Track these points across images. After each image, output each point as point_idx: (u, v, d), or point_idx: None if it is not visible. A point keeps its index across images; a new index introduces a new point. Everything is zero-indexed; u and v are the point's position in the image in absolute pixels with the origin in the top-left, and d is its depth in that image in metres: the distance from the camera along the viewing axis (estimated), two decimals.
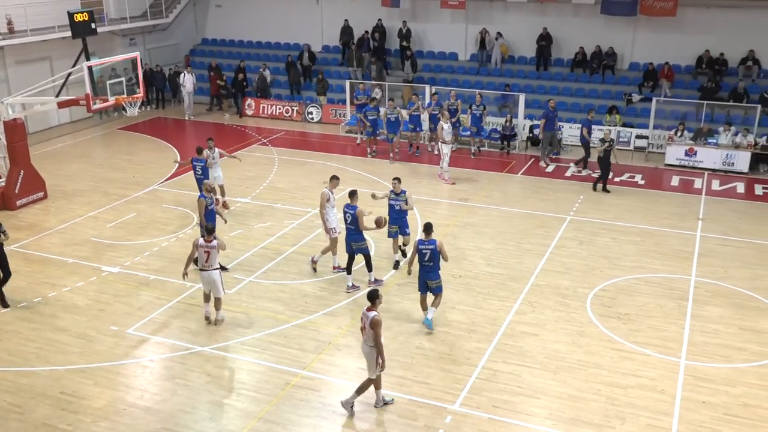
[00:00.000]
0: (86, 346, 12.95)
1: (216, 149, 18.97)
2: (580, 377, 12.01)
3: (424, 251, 13.22)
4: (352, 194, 14.79)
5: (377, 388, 11.17)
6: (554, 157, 24.23)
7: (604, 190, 20.86)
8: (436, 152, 24.07)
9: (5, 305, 14.34)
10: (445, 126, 21.35)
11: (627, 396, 11.50)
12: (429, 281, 13.41)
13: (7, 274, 14.42)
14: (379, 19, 30.22)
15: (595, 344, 12.97)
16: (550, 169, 23.28)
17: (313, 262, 15.78)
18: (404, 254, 15.95)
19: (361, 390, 11.07)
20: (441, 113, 22.48)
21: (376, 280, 15.08)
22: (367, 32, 30.22)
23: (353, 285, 14.98)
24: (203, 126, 28.90)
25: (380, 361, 10.77)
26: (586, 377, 11.99)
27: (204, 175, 18.30)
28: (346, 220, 14.73)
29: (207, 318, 13.75)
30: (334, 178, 15.68)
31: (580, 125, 23.61)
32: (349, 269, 15.03)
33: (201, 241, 13.31)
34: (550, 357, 12.56)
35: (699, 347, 12.89)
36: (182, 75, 29.63)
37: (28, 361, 12.53)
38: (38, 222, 18.74)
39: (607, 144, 20.49)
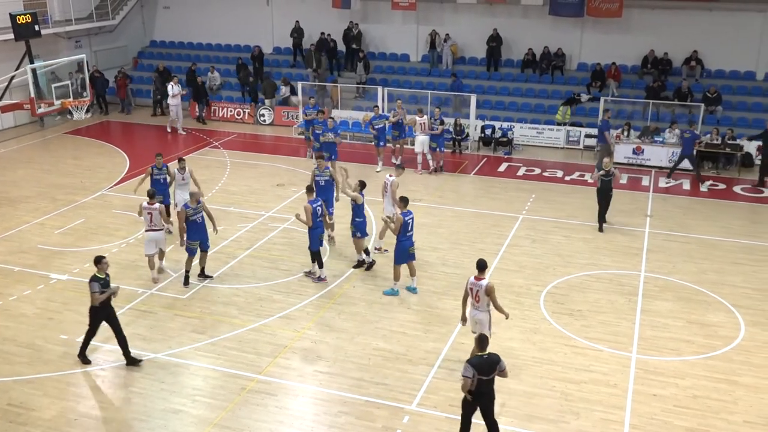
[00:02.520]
0: (35, 356, 12.62)
1: (187, 170, 17.38)
2: (535, 374, 12.16)
3: (408, 221, 14.35)
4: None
5: None
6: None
7: (603, 224, 18.29)
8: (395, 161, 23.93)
9: (134, 362, 12.38)
10: (419, 119, 22.63)
11: (581, 391, 11.69)
12: (410, 248, 14.58)
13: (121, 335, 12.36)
14: (350, 22, 30.13)
15: (548, 341, 13.16)
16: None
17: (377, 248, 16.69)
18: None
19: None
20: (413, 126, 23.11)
21: (319, 278, 15.41)
22: (323, 33, 30.11)
23: (321, 276, 15.38)
24: (153, 129, 28.45)
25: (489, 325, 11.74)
26: (541, 374, 12.16)
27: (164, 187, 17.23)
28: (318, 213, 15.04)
29: (155, 280, 15.28)
30: (399, 167, 17.17)
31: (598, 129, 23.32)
32: (321, 262, 15.37)
33: (145, 203, 14.96)
34: (504, 354, 12.52)
35: (649, 341, 13.18)
36: (169, 85, 27.76)
37: None
38: None
39: (603, 173, 17.90)
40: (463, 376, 9.53)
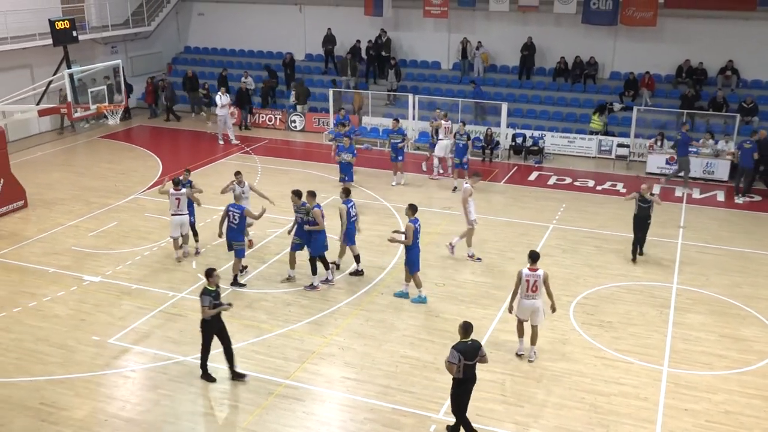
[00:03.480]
0: (67, 357, 12.80)
1: (246, 183, 16.73)
2: (564, 385, 12.04)
3: (417, 227, 14.53)
4: (311, 194, 15.28)
5: (532, 342, 12.73)
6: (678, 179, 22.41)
7: (638, 255, 16.96)
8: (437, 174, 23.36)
9: (239, 377, 12.09)
10: (444, 123, 22.99)
11: (610, 404, 11.55)
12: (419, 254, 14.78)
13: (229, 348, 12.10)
14: (382, 29, 30.25)
15: (578, 352, 13.02)
16: (696, 194, 21.86)
17: (450, 249, 17.05)
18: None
19: (535, 340, 12.72)
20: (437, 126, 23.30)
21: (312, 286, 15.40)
22: (359, 41, 30.21)
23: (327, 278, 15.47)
24: (185, 134, 28.80)
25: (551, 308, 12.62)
26: (570, 385, 12.03)
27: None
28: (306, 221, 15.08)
29: (179, 260, 16.47)
30: (476, 175, 17.45)
31: (675, 142, 22.47)
32: (315, 269, 15.36)
33: (171, 190, 16.08)
34: (533, 365, 12.59)
35: (681, 355, 12.98)
36: (218, 96, 27.08)
37: (7, 372, 12.36)
38: (18, 231, 18.54)
39: (641, 198, 16.55)
40: (449, 361, 10.08)
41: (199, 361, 12.15)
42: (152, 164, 24.39)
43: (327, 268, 15.48)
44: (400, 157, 22.36)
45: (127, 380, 12.18)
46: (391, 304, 14.67)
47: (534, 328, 12.67)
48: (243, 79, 30.56)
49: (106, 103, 19.79)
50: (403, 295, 14.92)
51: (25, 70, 26.61)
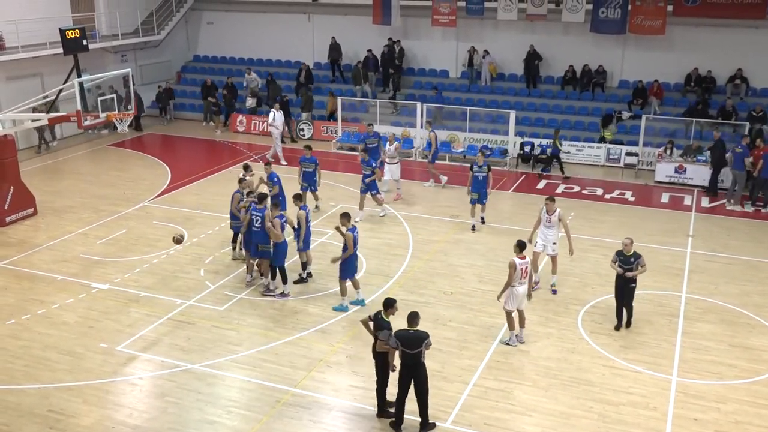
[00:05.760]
0: (75, 364, 12.83)
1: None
2: (572, 394, 11.99)
3: (356, 235, 14.47)
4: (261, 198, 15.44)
5: (522, 325, 13.47)
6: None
7: (625, 326, 14.11)
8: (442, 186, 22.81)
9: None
10: (390, 148, 21.33)
11: (619, 413, 11.48)
12: (355, 261, 14.84)
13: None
14: (389, 38, 30.32)
15: (586, 361, 12.97)
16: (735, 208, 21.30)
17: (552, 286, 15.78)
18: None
19: (524, 322, 13.45)
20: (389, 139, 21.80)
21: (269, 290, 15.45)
22: (370, 50, 30.30)
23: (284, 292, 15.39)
24: (194, 142, 28.91)
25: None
26: (578, 394, 11.98)
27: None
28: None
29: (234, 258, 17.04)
30: (549, 199, 15.67)
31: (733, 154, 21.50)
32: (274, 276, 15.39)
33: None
34: (541, 374, 12.55)
35: (690, 364, 12.90)
36: (271, 113, 25.79)
37: (15, 378, 12.42)
38: (28, 238, 18.64)
39: (623, 257, 13.74)
40: (388, 343, 10.57)
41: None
42: (161, 172, 24.48)
43: (285, 281, 15.34)
44: (373, 191, 19.83)
45: (135, 388, 12.20)
46: (398, 313, 14.57)
47: (522, 312, 13.34)
48: (246, 75, 30.62)
49: (115, 111, 19.87)
50: (360, 302, 14.87)
51: (36, 78, 26.80)
